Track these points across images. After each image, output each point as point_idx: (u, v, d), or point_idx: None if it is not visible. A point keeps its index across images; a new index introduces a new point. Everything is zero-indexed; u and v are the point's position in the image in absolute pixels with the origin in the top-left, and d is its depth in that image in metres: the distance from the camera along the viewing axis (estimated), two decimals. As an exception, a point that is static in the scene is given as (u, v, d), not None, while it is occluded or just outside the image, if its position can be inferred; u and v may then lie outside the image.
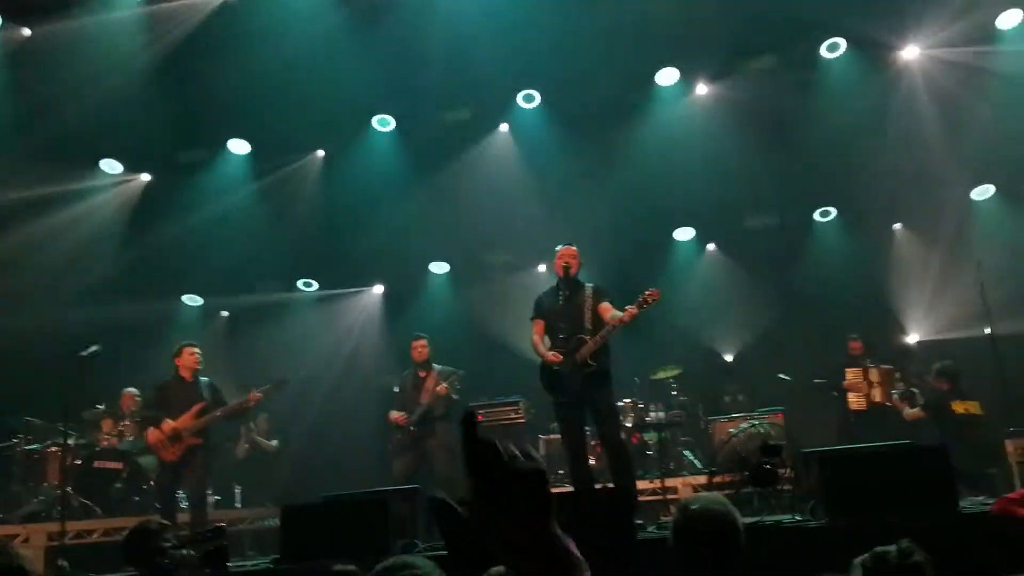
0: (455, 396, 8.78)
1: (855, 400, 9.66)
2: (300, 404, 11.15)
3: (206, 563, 4.12)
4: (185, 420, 7.71)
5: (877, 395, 9.60)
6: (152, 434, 7.82)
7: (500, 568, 2.88)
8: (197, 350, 8.09)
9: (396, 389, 9.41)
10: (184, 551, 4.02)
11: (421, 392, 8.81)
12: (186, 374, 7.99)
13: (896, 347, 11.32)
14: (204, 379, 8.08)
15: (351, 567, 3.10)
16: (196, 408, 7.76)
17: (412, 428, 8.65)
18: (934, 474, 5.00)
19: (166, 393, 7.98)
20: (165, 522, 5.02)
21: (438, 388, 8.67)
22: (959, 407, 8.46)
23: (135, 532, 4.36)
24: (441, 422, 8.69)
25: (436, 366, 8.98)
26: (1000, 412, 8.73)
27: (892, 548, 2.62)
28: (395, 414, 8.83)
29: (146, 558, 4.06)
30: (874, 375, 9.67)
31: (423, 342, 9.10)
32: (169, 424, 7.69)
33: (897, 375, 9.73)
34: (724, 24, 9.99)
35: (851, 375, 9.75)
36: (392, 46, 10.28)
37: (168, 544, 4.03)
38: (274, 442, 10.85)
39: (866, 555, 2.64)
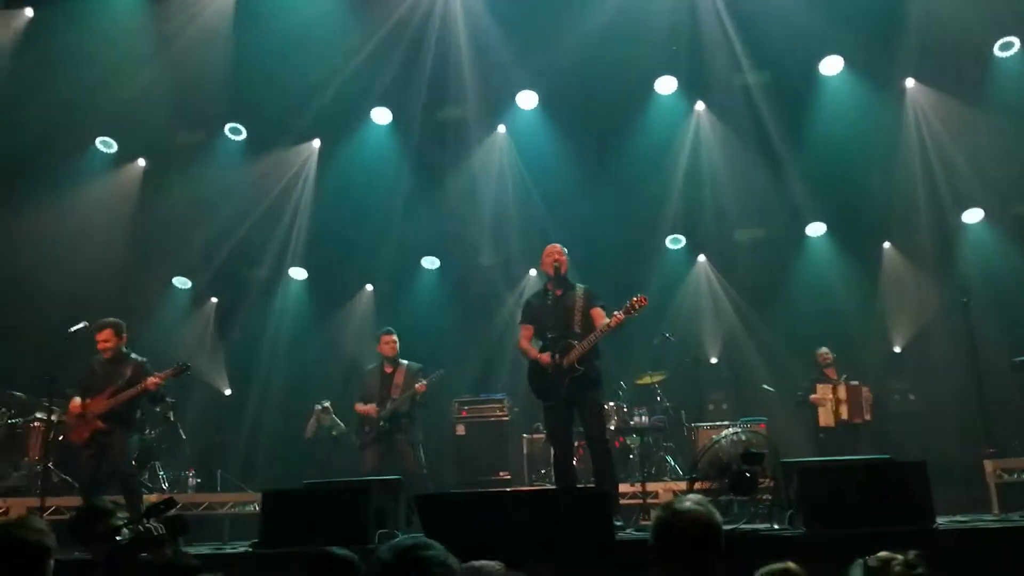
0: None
1: (824, 416, 9.66)
2: (290, 390, 11.20)
3: (172, 534, 3.73)
4: (95, 403, 7.25)
5: (844, 412, 9.57)
6: (68, 414, 7.54)
7: (493, 564, 2.91)
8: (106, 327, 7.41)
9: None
10: (144, 525, 3.66)
11: (391, 388, 8.55)
12: (106, 353, 7.45)
13: (880, 357, 11.38)
14: (134, 356, 7.50)
15: (349, 553, 3.01)
16: (109, 390, 7.27)
17: (382, 423, 8.43)
18: (912, 489, 5.06)
19: (89, 373, 7.52)
20: (115, 500, 4.62)
21: (417, 386, 8.45)
22: None
23: (83, 512, 4.12)
24: (405, 418, 8.51)
25: (403, 361, 8.73)
26: (979, 434, 8.85)
27: (899, 556, 2.66)
28: (364, 407, 8.59)
29: (98, 538, 3.80)
30: (842, 392, 9.63)
31: (393, 337, 8.76)
32: (76, 403, 7.32)
33: (865, 391, 9.74)
34: (720, 38, 10.07)
35: (820, 390, 9.74)
36: (393, 39, 10.34)
37: (121, 523, 3.74)
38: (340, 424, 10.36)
39: (871, 556, 2.69)
